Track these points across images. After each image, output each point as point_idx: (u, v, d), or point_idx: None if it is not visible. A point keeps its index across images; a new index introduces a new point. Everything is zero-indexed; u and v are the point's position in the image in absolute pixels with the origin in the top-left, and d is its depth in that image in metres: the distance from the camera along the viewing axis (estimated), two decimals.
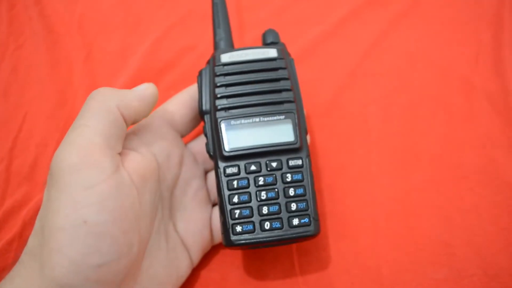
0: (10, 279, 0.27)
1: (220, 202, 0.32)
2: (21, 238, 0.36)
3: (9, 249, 0.36)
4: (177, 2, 0.49)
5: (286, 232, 0.31)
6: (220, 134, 0.32)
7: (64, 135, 0.40)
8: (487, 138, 0.40)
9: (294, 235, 0.31)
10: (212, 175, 0.36)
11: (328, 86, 0.43)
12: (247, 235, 0.30)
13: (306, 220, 0.31)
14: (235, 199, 0.31)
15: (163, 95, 0.43)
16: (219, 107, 0.32)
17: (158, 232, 0.32)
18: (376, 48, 0.45)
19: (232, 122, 0.32)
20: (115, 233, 0.26)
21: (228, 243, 0.31)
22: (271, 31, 0.37)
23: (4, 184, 0.39)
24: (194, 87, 0.35)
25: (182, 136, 0.36)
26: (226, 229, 0.31)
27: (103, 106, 0.29)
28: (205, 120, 0.33)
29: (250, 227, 0.30)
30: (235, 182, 0.31)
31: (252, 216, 0.31)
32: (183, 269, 0.33)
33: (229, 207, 0.31)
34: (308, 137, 0.33)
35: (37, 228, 0.27)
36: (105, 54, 0.46)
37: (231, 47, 0.36)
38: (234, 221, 0.31)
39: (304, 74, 0.43)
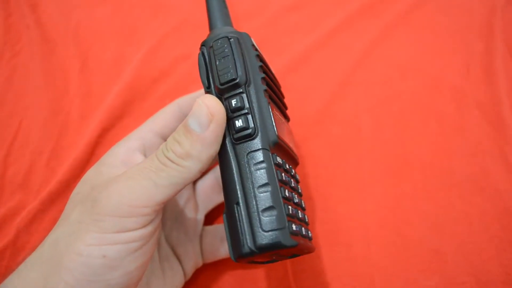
0: (10, 281, 0.26)
1: (271, 195, 0.25)
2: (15, 246, 0.36)
3: (2, 257, 0.36)
4: (171, 11, 0.49)
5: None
6: (267, 115, 0.26)
7: (59, 143, 0.42)
8: (478, 147, 0.41)
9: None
10: (201, 186, 0.36)
11: (320, 95, 0.44)
12: (300, 237, 0.25)
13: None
14: (287, 194, 0.26)
15: (158, 104, 0.44)
16: (262, 83, 0.27)
17: None
18: (368, 57, 0.46)
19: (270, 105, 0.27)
20: (130, 268, 0.26)
21: (279, 246, 0.24)
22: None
23: None
24: (180, 100, 0.34)
25: None
26: (281, 227, 0.24)
27: None
28: (245, 91, 0.26)
29: (299, 228, 0.25)
30: (283, 175, 0.26)
31: (303, 219, 0.27)
32: (177, 280, 0.33)
33: (282, 201, 0.25)
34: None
35: (50, 238, 0.27)
36: (100, 63, 0.46)
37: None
38: (291, 219, 0.25)
39: (297, 83, 0.44)
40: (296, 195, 0.27)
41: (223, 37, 0.27)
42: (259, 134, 0.26)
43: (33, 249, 0.36)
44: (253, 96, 0.26)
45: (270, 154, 0.25)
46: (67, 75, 0.45)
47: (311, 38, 0.47)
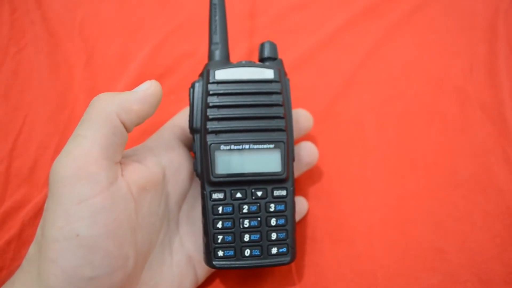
0: (11, 283, 0.27)
1: (204, 224, 0.32)
2: (20, 239, 0.36)
3: (7, 250, 0.36)
4: (176, 9, 0.49)
5: (264, 260, 0.31)
6: (209, 158, 0.31)
7: (64, 138, 0.42)
8: (481, 147, 0.41)
9: (271, 263, 0.31)
10: None
11: (324, 94, 0.44)
12: (227, 260, 0.31)
13: (284, 249, 0.32)
14: (219, 225, 0.31)
15: (163, 101, 0.44)
16: (209, 130, 0.31)
17: (162, 244, 0.32)
18: (371, 57, 0.46)
19: (222, 147, 0.31)
20: (108, 247, 0.26)
21: (209, 265, 0.32)
22: (269, 44, 0.35)
23: (4, 185, 0.39)
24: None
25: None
26: (208, 251, 0.31)
27: (102, 114, 0.28)
28: (195, 138, 0.32)
29: (231, 253, 0.31)
30: (220, 208, 0.31)
31: (233, 242, 0.31)
32: (187, 285, 0.33)
33: (212, 231, 0.31)
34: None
35: (38, 236, 0.28)
36: (105, 59, 0.46)
37: (226, 59, 0.35)
38: (216, 245, 0.31)
39: (301, 82, 0.44)
40: (242, 220, 0.32)
41: (191, 86, 0.33)
42: (203, 176, 0.32)
43: None
44: (196, 143, 0.32)
45: (208, 192, 0.31)
46: (72, 70, 0.45)
47: (315, 38, 0.47)
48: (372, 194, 0.39)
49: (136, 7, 0.49)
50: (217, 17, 0.35)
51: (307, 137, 0.42)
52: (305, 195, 0.39)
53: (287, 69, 0.43)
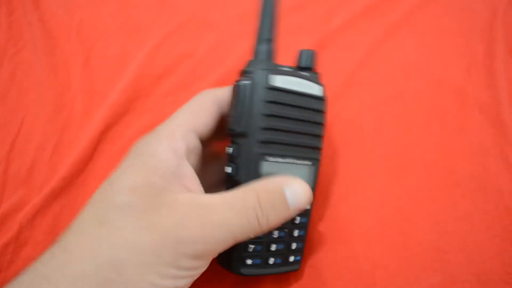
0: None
1: None
2: (18, 242, 0.36)
3: (5, 252, 0.36)
4: (175, 9, 0.49)
5: (283, 267, 0.33)
6: (255, 166, 0.30)
7: (62, 140, 0.41)
8: (479, 147, 0.41)
9: (286, 270, 0.33)
10: None
11: None
12: (255, 269, 0.32)
13: (299, 258, 0.34)
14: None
15: (161, 101, 0.44)
16: (260, 138, 0.29)
17: None
18: (371, 57, 0.46)
19: (269, 158, 0.30)
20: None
21: (235, 272, 0.31)
22: (309, 53, 0.34)
23: (2, 186, 0.39)
24: (216, 93, 0.33)
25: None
26: (235, 258, 0.31)
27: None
28: (236, 141, 0.30)
29: (258, 261, 0.32)
30: None
31: (261, 251, 0.32)
32: None
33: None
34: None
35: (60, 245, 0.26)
36: (103, 60, 0.46)
37: (271, 60, 0.32)
38: (246, 254, 0.31)
39: None
40: (273, 231, 0.32)
41: (235, 84, 0.30)
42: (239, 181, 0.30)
43: (36, 244, 0.36)
44: (238, 148, 0.30)
45: None
46: (70, 71, 0.45)
47: (314, 38, 0.47)
48: (371, 194, 0.39)
49: (134, 8, 0.49)
50: (270, 11, 0.32)
51: None
52: None
53: None
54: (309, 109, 0.32)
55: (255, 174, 0.29)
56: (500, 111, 0.42)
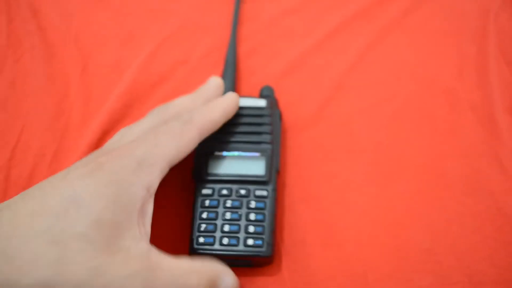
0: None
1: (192, 217, 0.36)
2: None
3: None
4: (170, 16, 0.50)
5: (240, 249, 0.35)
6: (204, 161, 0.37)
7: (61, 146, 0.42)
8: (471, 148, 0.41)
9: (247, 253, 0.35)
10: None
11: (315, 97, 0.45)
12: (207, 246, 0.35)
13: (260, 242, 0.35)
14: (204, 215, 0.36)
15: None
16: (207, 140, 0.36)
17: None
18: (362, 60, 0.46)
19: (216, 153, 0.37)
20: None
21: (191, 251, 0.35)
22: (267, 88, 0.42)
23: (3, 193, 0.40)
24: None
25: None
26: (191, 239, 0.35)
27: None
28: (196, 149, 0.37)
29: (211, 240, 0.35)
30: (207, 201, 0.36)
31: (214, 232, 0.35)
32: None
33: (198, 221, 0.36)
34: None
35: None
36: (100, 67, 0.47)
37: None
38: (199, 233, 0.35)
39: (292, 86, 0.45)
40: (224, 212, 0.36)
41: None
42: (197, 177, 0.37)
43: None
44: (197, 152, 0.38)
45: (199, 189, 0.37)
46: (68, 79, 0.46)
47: (307, 42, 0.48)
48: (362, 196, 0.39)
49: (128, 16, 0.50)
50: (229, 69, 0.43)
51: (297, 140, 0.42)
52: (294, 199, 0.39)
53: (279, 73, 0.46)
54: (252, 115, 0.39)
55: (205, 166, 0.37)
56: (492, 112, 0.42)
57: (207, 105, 0.36)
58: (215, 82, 0.39)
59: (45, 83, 0.46)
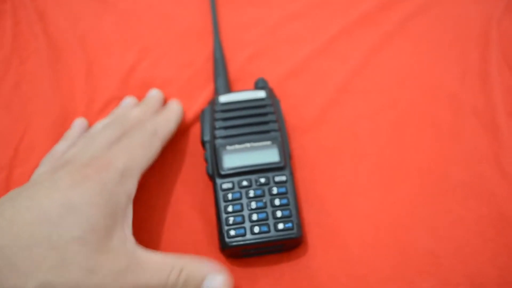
0: None
1: (217, 213, 0.37)
2: None
3: None
4: (175, 20, 0.51)
5: (272, 234, 0.35)
6: (218, 157, 0.38)
7: None
8: (474, 153, 0.41)
9: (280, 237, 0.35)
10: None
11: (318, 102, 0.45)
12: (239, 238, 0.35)
13: (290, 224, 0.36)
14: (230, 209, 0.36)
15: None
16: (217, 136, 0.38)
17: None
18: (366, 65, 0.47)
19: (228, 147, 0.38)
20: None
21: (224, 246, 0.35)
22: (262, 80, 0.44)
23: (5, 192, 0.40)
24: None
25: None
26: (222, 234, 0.36)
27: None
28: (206, 148, 0.39)
29: (242, 231, 0.35)
30: (229, 195, 0.37)
31: (243, 222, 0.36)
32: None
33: (224, 215, 0.36)
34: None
35: None
36: (105, 70, 0.47)
37: (228, 91, 0.43)
38: (228, 227, 0.36)
39: (296, 90, 0.45)
40: (249, 202, 0.37)
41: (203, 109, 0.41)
42: (214, 174, 0.38)
43: None
44: (208, 151, 0.39)
45: (219, 185, 0.37)
46: (73, 82, 0.47)
47: (310, 47, 0.48)
48: (365, 200, 0.40)
49: (133, 19, 0.51)
50: (219, 66, 0.45)
51: (301, 143, 0.42)
52: (297, 200, 0.39)
53: (282, 78, 0.46)
54: (255, 107, 0.40)
55: (220, 162, 0.38)
56: (495, 117, 0.43)
57: (162, 116, 0.40)
58: (158, 93, 0.44)
59: (50, 85, 0.46)
